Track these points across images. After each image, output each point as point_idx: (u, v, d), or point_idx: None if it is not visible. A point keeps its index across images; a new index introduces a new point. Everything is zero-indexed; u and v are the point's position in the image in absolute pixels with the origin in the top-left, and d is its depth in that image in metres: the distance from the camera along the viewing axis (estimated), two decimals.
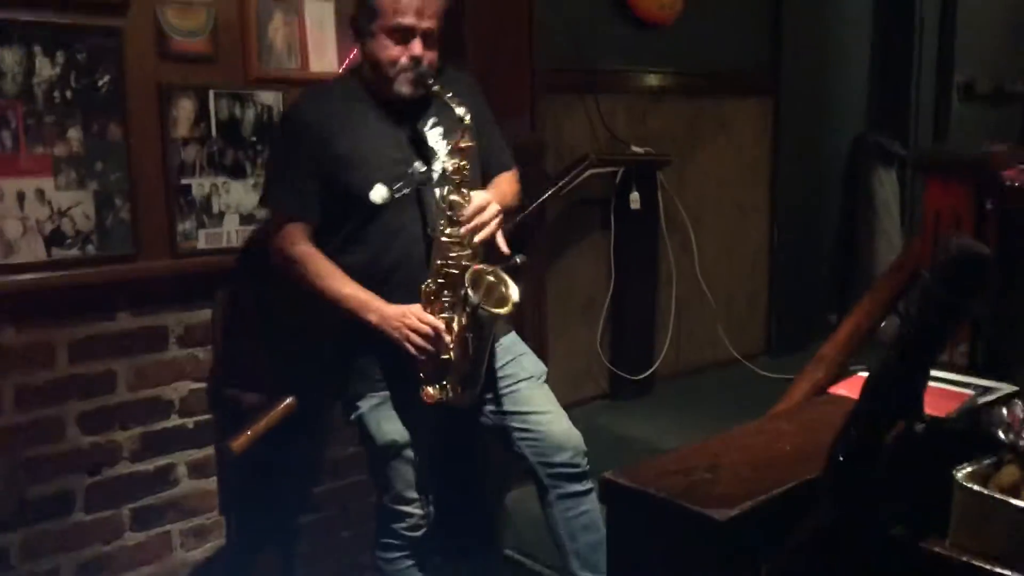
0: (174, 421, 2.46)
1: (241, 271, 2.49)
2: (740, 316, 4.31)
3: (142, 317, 2.37)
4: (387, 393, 2.10)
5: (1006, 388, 1.56)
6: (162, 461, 2.45)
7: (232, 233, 2.49)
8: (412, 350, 1.99)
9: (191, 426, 2.49)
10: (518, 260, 1.97)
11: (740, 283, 4.31)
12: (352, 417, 2.16)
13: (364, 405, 2.11)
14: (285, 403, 2.45)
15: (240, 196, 2.50)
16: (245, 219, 2.51)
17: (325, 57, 2.64)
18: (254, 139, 2.51)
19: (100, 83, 2.24)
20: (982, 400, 1.56)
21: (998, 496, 1.13)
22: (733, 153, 4.19)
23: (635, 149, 3.61)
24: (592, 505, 2.17)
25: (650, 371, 3.78)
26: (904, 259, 2.02)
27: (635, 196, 3.55)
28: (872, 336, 1.99)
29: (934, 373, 1.82)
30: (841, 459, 0.96)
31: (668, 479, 1.28)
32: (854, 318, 1.96)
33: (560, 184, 3.19)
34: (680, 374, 4.00)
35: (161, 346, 2.41)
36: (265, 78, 2.51)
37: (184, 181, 2.39)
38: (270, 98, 2.53)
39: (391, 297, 2.04)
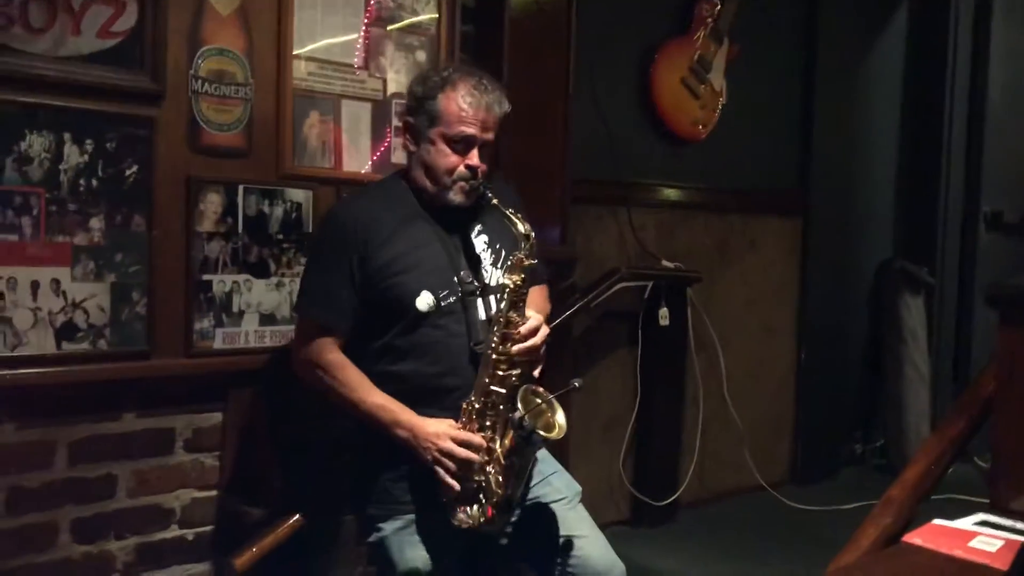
0: (173, 532, 2.30)
1: (258, 374, 2.36)
2: (765, 441, 4.15)
3: (149, 418, 2.25)
4: (413, 516, 1.94)
5: None
6: (157, 575, 2.26)
7: (251, 333, 2.38)
8: (443, 475, 1.84)
9: (191, 538, 2.33)
10: (576, 384, 1.86)
11: (766, 406, 4.18)
12: (372, 539, 1.99)
13: (388, 528, 1.95)
14: (292, 520, 2.30)
15: (262, 295, 2.40)
16: (265, 319, 2.40)
17: (358, 157, 2.59)
18: (280, 236, 2.43)
19: (128, 172, 2.17)
20: None
21: None
22: (761, 272, 4.12)
23: (665, 264, 3.54)
24: None
25: (674, 497, 3.60)
26: (971, 398, 1.89)
27: (664, 312, 3.46)
28: (941, 479, 1.84)
29: (1005, 522, 1.67)
30: None
31: None
32: (922, 461, 1.82)
33: (590, 297, 3.11)
34: (704, 500, 3.83)
35: (167, 450, 2.28)
36: (297, 175, 2.45)
37: (205, 277, 2.30)
38: (300, 195, 2.46)
39: (428, 411, 1.91)
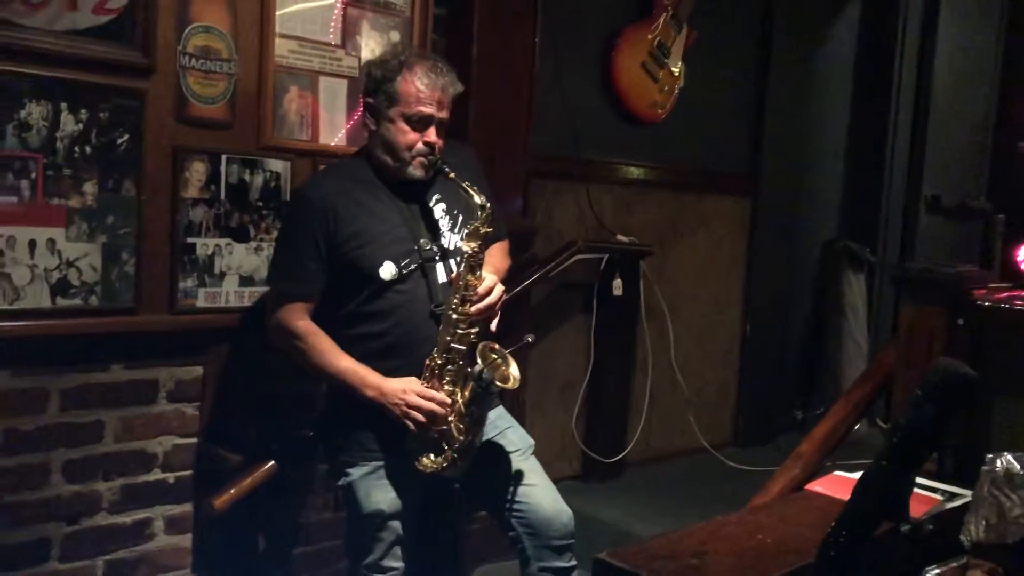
0: (156, 475, 2.47)
1: (236, 332, 2.54)
2: (710, 406, 4.41)
3: (135, 370, 2.40)
4: (380, 463, 2.14)
5: (967, 494, 1.65)
6: (140, 515, 2.45)
7: (231, 293, 2.55)
8: (412, 426, 2.05)
9: (172, 481, 2.50)
10: (529, 339, 2.07)
11: (712, 374, 4.42)
12: (341, 483, 2.19)
13: (356, 472, 2.15)
14: (267, 466, 2.49)
15: (242, 258, 2.56)
16: (245, 280, 2.57)
17: (334, 131, 2.75)
18: (260, 204, 2.59)
19: (119, 141, 2.32)
20: (950, 505, 1.65)
21: None
22: (711, 248, 4.35)
23: (620, 238, 3.75)
24: None
25: (622, 455, 3.84)
26: (877, 367, 2.13)
27: (618, 283, 3.67)
28: (846, 438, 2.09)
29: None
30: (832, 554, 1.04)
31: (658, 563, 1.34)
32: (830, 420, 2.06)
33: (548, 268, 3.30)
34: (650, 459, 4.07)
35: (151, 400, 2.44)
36: (276, 146, 2.61)
37: (190, 240, 2.46)
38: (279, 166, 2.62)
39: (395, 370, 2.10)
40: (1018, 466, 1.50)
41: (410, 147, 2.13)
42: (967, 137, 5.42)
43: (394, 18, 2.86)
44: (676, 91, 3.95)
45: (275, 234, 2.55)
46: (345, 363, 2.10)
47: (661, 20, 3.83)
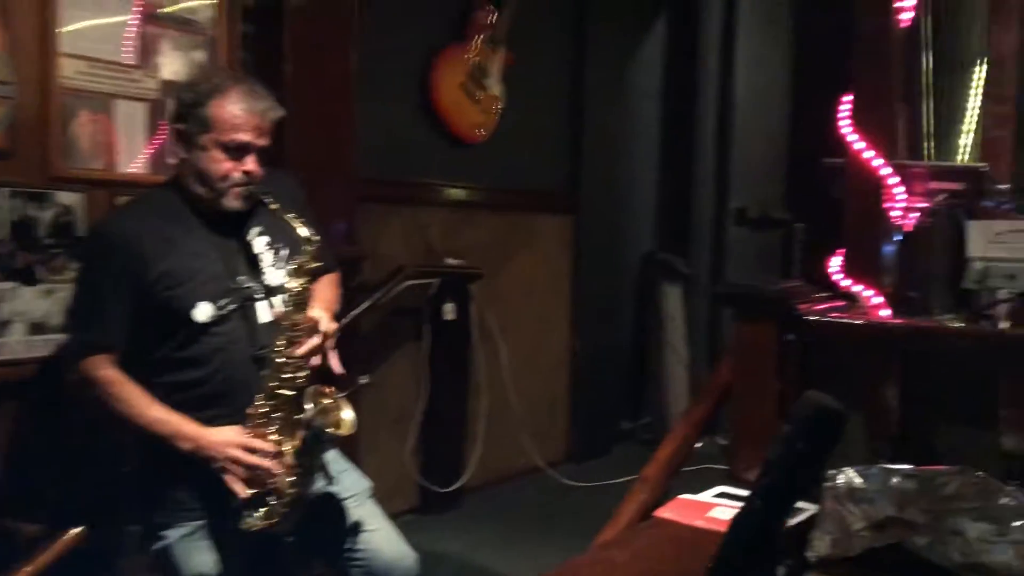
0: None
1: (28, 386, 2.26)
2: (543, 424, 4.42)
3: None
4: (201, 522, 1.95)
5: (812, 508, 1.67)
6: None
7: (18, 344, 2.26)
8: (231, 481, 1.87)
9: None
10: (362, 381, 1.94)
11: (543, 392, 4.44)
12: (156, 547, 1.98)
13: (172, 535, 1.95)
14: (73, 534, 2.22)
15: (29, 303, 2.28)
16: (35, 328, 2.29)
17: (134, 158, 2.52)
18: (49, 242, 2.32)
19: None
20: (793, 521, 1.67)
21: None
22: (538, 266, 4.37)
23: (450, 261, 3.68)
24: None
25: (459, 483, 3.76)
26: (712, 385, 2.17)
27: (449, 307, 3.60)
28: (688, 456, 2.10)
29: (740, 492, 1.94)
30: None
31: None
32: (672, 442, 2.07)
33: (377, 295, 3.18)
34: (488, 484, 4.02)
35: None
36: (66, 177, 2.35)
37: None
38: (70, 198, 2.36)
39: (215, 420, 1.92)
40: (859, 480, 1.53)
41: (226, 177, 1.96)
42: (767, 150, 5.76)
43: (197, 36, 2.66)
44: (497, 112, 3.94)
45: (68, 274, 2.30)
46: (156, 412, 1.91)
47: (477, 41, 3.81)
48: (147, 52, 2.53)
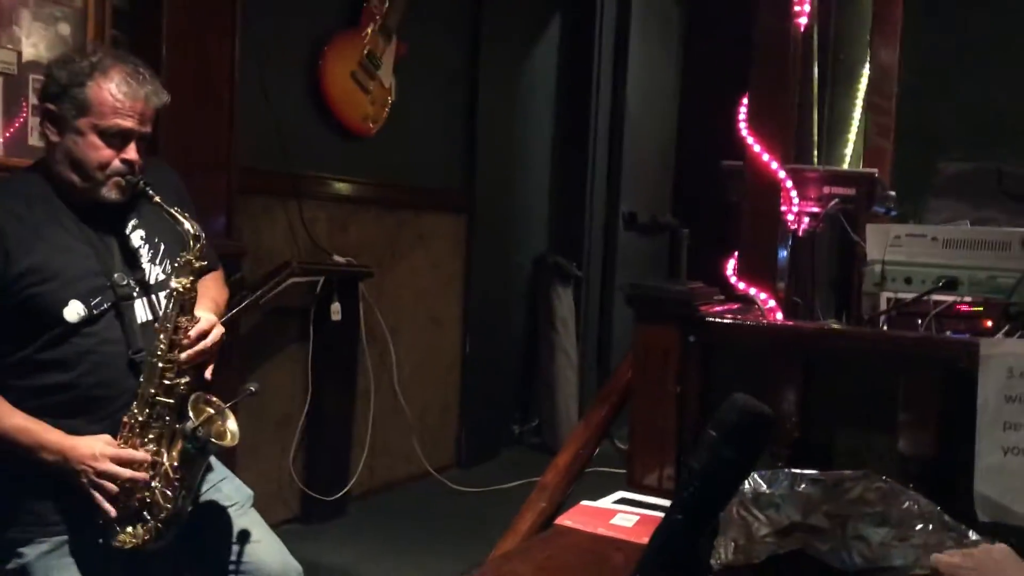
0: None
1: None
2: (433, 428, 4.31)
3: None
4: (64, 538, 1.76)
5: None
6: None
7: None
8: (100, 499, 1.69)
9: None
10: (252, 389, 1.79)
11: (434, 395, 4.33)
12: (11, 566, 1.77)
13: (31, 552, 1.75)
14: None
15: None
16: None
17: None
18: None
19: None
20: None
21: None
22: (430, 266, 4.25)
23: (337, 258, 3.53)
24: None
25: (344, 491, 3.61)
26: (612, 387, 2.11)
27: (336, 307, 3.45)
28: (589, 462, 2.04)
29: (646, 499, 1.90)
30: None
31: None
32: (571, 447, 2.00)
33: (259, 293, 3.01)
34: (374, 491, 3.89)
35: None
36: None
37: None
38: None
39: (83, 429, 1.73)
40: (764, 485, 1.50)
41: (104, 165, 1.78)
42: (656, 154, 5.84)
43: (62, 8, 2.45)
44: (389, 104, 3.82)
45: None
46: (15, 420, 1.71)
47: (370, 29, 3.67)
48: (2, 22, 2.31)
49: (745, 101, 2.49)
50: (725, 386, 1.76)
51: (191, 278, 1.80)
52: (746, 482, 1.49)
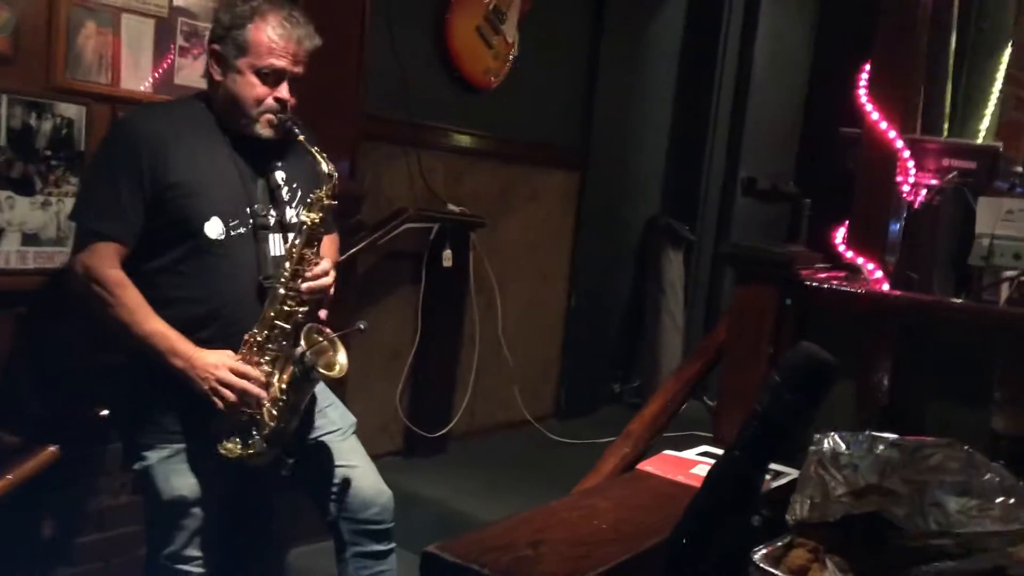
0: None
1: (19, 297, 2.24)
2: (534, 379, 4.41)
3: None
4: (182, 445, 1.95)
5: (794, 472, 1.67)
6: None
7: (12, 254, 2.25)
8: (219, 404, 1.86)
9: None
10: (361, 327, 1.92)
11: (536, 347, 4.42)
12: (137, 467, 1.98)
13: (153, 456, 1.95)
14: (48, 451, 2.22)
15: (25, 214, 2.26)
16: (28, 239, 2.27)
17: (139, 75, 2.48)
18: (48, 153, 2.29)
19: None
20: (775, 484, 1.66)
21: None
22: (540, 221, 4.33)
23: (451, 207, 3.64)
24: (390, 566, 2.12)
25: (446, 429, 3.77)
26: (707, 345, 2.15)
27: (448, 254, 3.57)
28: (676, 415, 2.09)
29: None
30: (683, 544, 0.99)
31: (491, 555, 1.26)
32: (660, 399, 2.06)
33: (376, 235, 3.15)
34: (474, 433, 4.02)
35: None
36: (69, 89, 2.32)
37: None
38: (72, 111, 2.33)
39: (209, 342, 1.90)
40: (844, 446, 1.52)
41: (259, 102, 1.94)
42: (781, 123, 5.70)
43: None
44: (510, 59, 3.88)
45: (67, 188, 2.28)
46: (154, 325, 1.87)
47: None
48: None
49: (867, 68, 2.45)
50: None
51: (320, 214, 1.93)
52: (825, 441, 1.52)
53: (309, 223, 1.92)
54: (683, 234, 5.03)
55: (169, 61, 2.54)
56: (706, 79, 5.14)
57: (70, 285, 1.95)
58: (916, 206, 2.52)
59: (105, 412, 2.30)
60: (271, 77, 1.94)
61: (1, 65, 2.17)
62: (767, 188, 5.59)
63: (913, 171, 2.42)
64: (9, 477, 2.13)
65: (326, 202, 1.93)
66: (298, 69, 1.97)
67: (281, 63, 1.93)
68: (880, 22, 2.38)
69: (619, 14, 4.48)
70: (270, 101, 1.95)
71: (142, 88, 2.47)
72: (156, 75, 2.51)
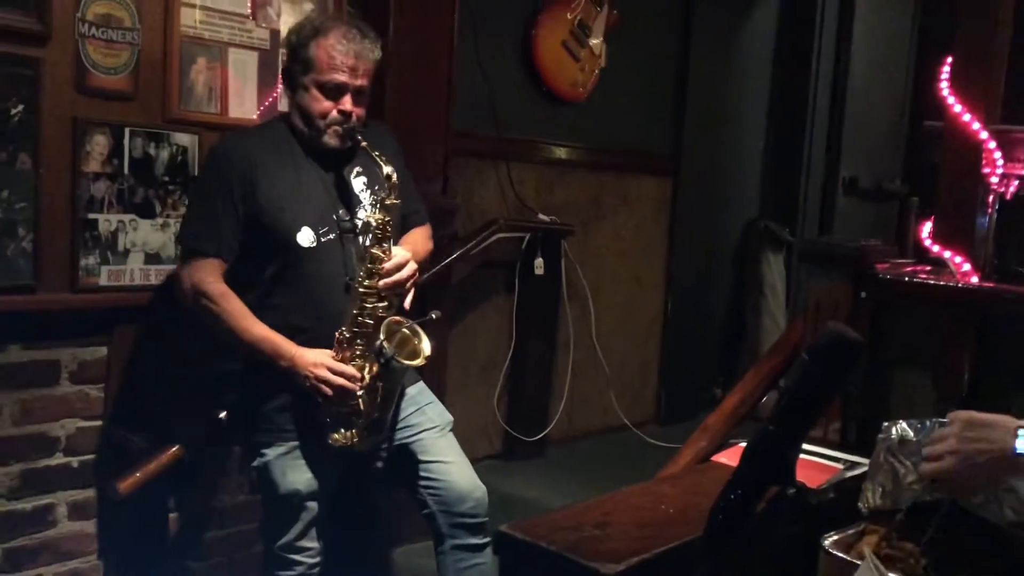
0: (58, 459, 2.38)
1: (142, 311, 2.46)
2: (632, 384, 4.45)
3: (34, 351, 2.31)
4: (296, 443, 2.10)
5: (865, 463, 1.68)
6: (42, 500, 2.36)
7: (136, 271, 2.47)
8: (320, 400, 2.01)
9: (75, 465, 2.41)
10: (434, 316, 2.04)
11: (633, 352, 4.46)
12: (256, 463, 2.14)
13: (271, 453, 2.10)
14: (173, 450, 2.42)
15: (147, 235, 2.48)
16: (150, 258, 2.49)
17: (245, 104, 2.68)
18: (166, 179, 2.50)
19: (13, 112, 2.21)
20: (850, 473, 1.69)
21: (858, 562, 1.24)
22: (633, 228, 4.38)
23: (542, 217, 3.74)
24: (486, 559, 2.20)
25: (543, 433, 3.86)
26: (785, 340, 2.17)
27: (539, 262, 3.67)
28: (755, 410, 2.12)
29: (810, 447, 1.96)
30: (720, 517, 1.05)
31: (559, 534, 1.34)
32: (738, 392, 2.09)
33: (469, 246, 3.28)
34: (572, 437, 4.09)
35: (52, 381, 2.35)
36: (183, 120, 2.52)
37: (91, 216, 2.37)
38: (186, 140, 2.54)
39: (308, 342, 2.05)
40: (912, 433, 1.53)
41: (324, 115, 2.08)
42: (883, 120, 5.56)
43: None
44: (597, 70, 3.96)
45: (182, 210, 2.48)
46: (260, 330, 2.04)
47: None
48: (260, 3, 2.68)
49: (949, 60, 2.42)
50: (896, 341, 1.80)
51: (384, 215, 2.05)
52: (893, 429, 1.54)
53: (373, 222, 2.04)
54: (782, 236, 4.98)
55: (275, 92, 2.73)
56: (801, 79, 5.08)
57: (180, 299, 2.13)
58: (1008, 197, 2.47)
59: (223, 414, 2.49)
60: (334, 91, 2.07)
61: (123, 101, 2.40)
62: (870, 187, 5.47)
63: (1001, 162, 2.38)
64: (138, 475, 2.34)
65: (388, 201, 2.05)
66: (360, 82, 2.09)
67: (342, 77, 2.06)
68: (960, 8, 2.35)
69: (708, 18, 4.50)
70: (335, 114, 2.07)
71: (249, 116, 2.67)
72: (261, 105, 2.70)
